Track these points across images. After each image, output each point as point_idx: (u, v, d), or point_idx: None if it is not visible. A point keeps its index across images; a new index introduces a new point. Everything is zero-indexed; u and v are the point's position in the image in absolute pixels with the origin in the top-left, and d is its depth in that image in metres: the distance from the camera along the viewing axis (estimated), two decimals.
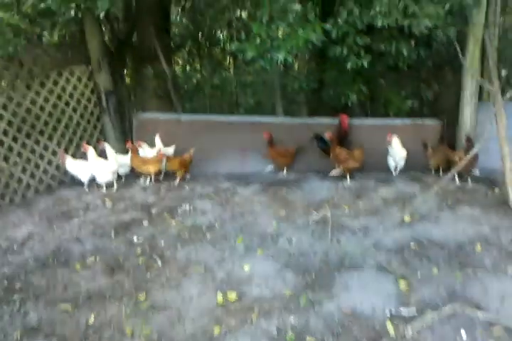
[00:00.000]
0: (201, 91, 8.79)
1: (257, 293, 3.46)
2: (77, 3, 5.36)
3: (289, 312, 3.18)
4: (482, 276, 3.52)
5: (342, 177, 6.30)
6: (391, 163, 6.50)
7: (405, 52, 5.83)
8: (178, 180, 6.38)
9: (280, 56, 5.39)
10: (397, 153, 6.35)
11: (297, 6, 5.61)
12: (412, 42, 6.22)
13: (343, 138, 6.56)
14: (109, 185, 6.21)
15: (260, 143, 6.77)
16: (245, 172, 6.96)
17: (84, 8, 5.49)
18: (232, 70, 10.79)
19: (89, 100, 7.03)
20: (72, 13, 5.38)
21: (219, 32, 9.62)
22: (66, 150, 6.64)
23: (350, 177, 6.28)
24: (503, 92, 5.37)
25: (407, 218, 4.69)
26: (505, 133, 5.25)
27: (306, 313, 3.16)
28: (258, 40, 5.57)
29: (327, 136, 6.39)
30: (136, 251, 4.27)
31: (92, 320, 3.21)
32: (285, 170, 6.84)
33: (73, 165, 6.20)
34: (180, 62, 10.46)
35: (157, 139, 6.70)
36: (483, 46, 6.16)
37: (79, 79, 6.87)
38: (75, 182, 6.40)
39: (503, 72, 6.00)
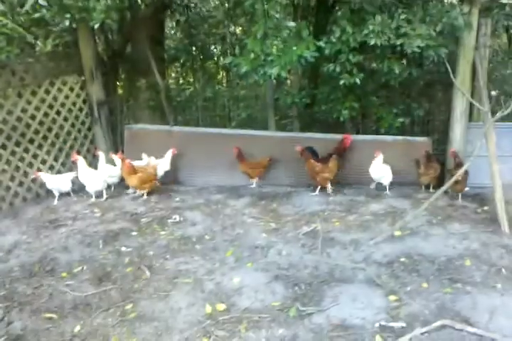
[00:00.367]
0: (194, 104, 8.83)
1: (246, 304, 3.42)
2: (72, 14, 5.39)
3: (278, 324, 3.15)
4: (471, 291, 3.52)
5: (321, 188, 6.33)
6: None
7: (397, 71, 5.92)
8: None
9: (274, 71, 5.45)
10: (376, 171, 6.43)
11: (291, 23, 5.72)
12: (404, 61, 6.33)
13: (341, 155, 6.60)
14: (99, 195, 6.15)
15: (251, 156, 6.80)
16: (236, 184, 6.95)
17: (79, 19, 5.53)
18: (225, 84, 10.89)
19: (80, 110, 7.02)
20: (67, 23, 5.39)
21: (213, 46, 9.73)
22: (56, 159, 6.61)
23: (327, 188, 6.31)
24: (493, 112, 5.46)
25: (397, 233, 4.70)
26: (495, 151, 5.33)
27: (295, 325, 3.13)
28: (252, 55, 5.64)
29: (298, 148, 6.47)
30: (124, 261, 4.22)
31: (77, 329, 3.15)
32: (255, 183, 6.82)
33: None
34: (173, 74, 10.54)
35: (144, 155, 6.72)
36: (473, 67, 6.30)
37: (71, 89, 6.87)
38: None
39: (493, 93, 6.11)
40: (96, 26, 5.56)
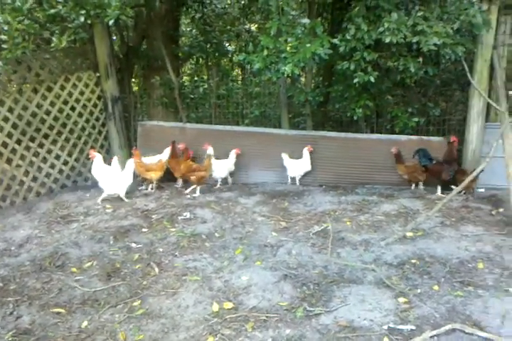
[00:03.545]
0: (207, 102, 8.83)
1: (253, 303, 3.40)
2: (87, 10, 5.42)
3: (285, 324, 3.13)
4: (483, 294, 3.45)
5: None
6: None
7: (412, 69, 5.82)
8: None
9: (287, 68, 5.42)
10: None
11: (306, 20, 5.68)
12: (420, 60, 6.23)
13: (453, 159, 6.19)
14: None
15: (264, 154, 6.79)
16: (248, 182, 6.93)
17: (94, 15, 5.56)
18: (239, 81, 10.86)
19: (95, 106, 7.07)
20: (82, 19, 5.42)
21: (228, 43, 9.70)
22: (70, 155, 6.68)
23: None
24: (511, 112, 5.35)
25: (409, 234, 4.64)
26: (511, 152, 5.22)
27: (303, 326, 3.10)
28: (266, 52, 5.61)
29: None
30: (133, 257, 4.23)
31: (85, 324, 3.16)
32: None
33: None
34: (187, 71, 10.54)
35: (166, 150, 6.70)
36: (491, 66, 6.18)
37: (86, 85, 6.92)
38: (77, 186, 6.38)
39: (511, 93, 5.98)
40: (111, 23, 5.58)
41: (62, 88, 6.62)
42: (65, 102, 6.66)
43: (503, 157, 5.27)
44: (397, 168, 6.50)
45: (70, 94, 6.71)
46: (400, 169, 6.47)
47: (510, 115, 5.55)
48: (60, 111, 6.60)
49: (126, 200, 5.89)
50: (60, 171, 6.61)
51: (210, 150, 6.48)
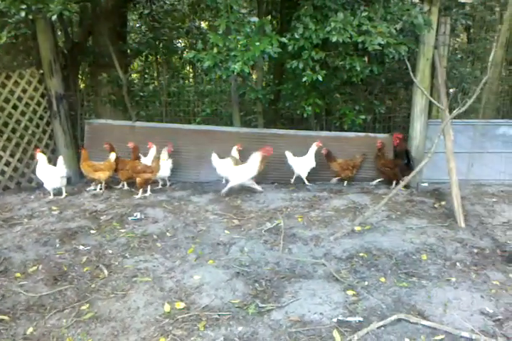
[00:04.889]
0: (157, 99, 8.69)
1: (205, 302, 3.40)
2: (28, 5, 5.20)
3: (237, 321, 3.14)
4: (427, 285, 3.61)
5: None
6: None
7: (358, 68, 5.96)
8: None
9: (236, 67, 5.41)
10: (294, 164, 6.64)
11: (254, 19, 5.70)
12: (366, 59, 6.40)
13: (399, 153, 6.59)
14: (58, 192, 5.99)
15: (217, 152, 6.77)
16: (200, 180, 6.90)
17: (35, 10, 5.34)
18: (190, 79, 10.74)
19: (39, 104, 6.79)
20: (23, 14, 5.19)
21: (177, 40, 9.57)
22: (12, 155, 6.39)
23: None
24: (451, 109, 5.60)
25: (357, 228, 4.77)
26: (452, 148, 5.48)
27: (255, 322, 3.13)
28: (215, 50, 5.59)
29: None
30: (81, 260, 4.12)
31: (30, 330, 3.05)
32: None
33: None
34: (137, 68, 10.31)
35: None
36: (433, 65, 6.44)
37: (29, 83, 6.64)
38: (21, 188, 6.13)
39: (451, 91, 6.27)
40: (53, 18, 5.39)
41: (3, 86, 6.33)
42: (7, 100, 6.37)
43: (445, 152, 5.52)
44: (331, 166, 6.69)
45: (12, 92, 6.43)
46: (334, 166, 6.67)
47: (451, 112, 5.81)
48: (1, 109, 6.32)
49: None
50: (2, 172, 6.33)
51: (152, 150, 6.34)
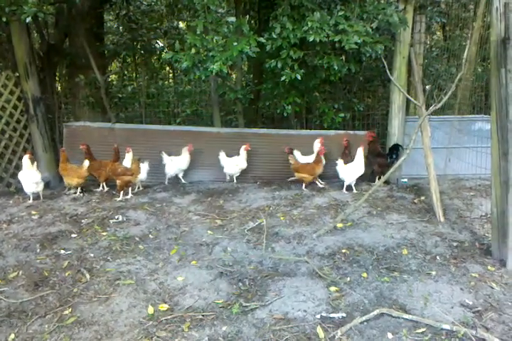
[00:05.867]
0: (137, 101, 8.63)
1: (189, 303, 3.39)
2: (1, 7, 5.11)
3: (221, 321, 3.15)
4: (408, 279, 3.67)
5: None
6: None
7: (336, 67, 6.02)
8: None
9: (215, 67, 5.41)
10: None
11: (231, 19, 5.70)
12: (343, 58, 6.45)
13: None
14: (37, 197, 5.91)
15: (197, 153, 6.76)
16: (182, 181, 6.87)
17: (9, 12, 5.26)
18: (170, 80, 10.69)
19: (15, 107, 6.69)
20: None
21: (155, 41, 9.52)
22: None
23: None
24: (428, 106, 5.68)
25: (339, 225, 4.82)
26: (429, 143, 5.57)
27: (239, 322, 3.13)
28: (193, 51, 5.58)
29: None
30: (63, 264, 4.07)
31: (12, 337, 3.01)
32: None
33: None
34: (115, 70, 10.21)
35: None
36: (409, 62, 6.53)
37: (4, 86, 6.53)
38: None
39: (427, 87, 6.36)
40: (28, 20, 5.31)
41: None
42: None
43: (423, 148, 5.61)
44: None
45: None
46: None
47: (427, 109, 5.90)
48: None
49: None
50: None
51: (129, 155, 6.29)
